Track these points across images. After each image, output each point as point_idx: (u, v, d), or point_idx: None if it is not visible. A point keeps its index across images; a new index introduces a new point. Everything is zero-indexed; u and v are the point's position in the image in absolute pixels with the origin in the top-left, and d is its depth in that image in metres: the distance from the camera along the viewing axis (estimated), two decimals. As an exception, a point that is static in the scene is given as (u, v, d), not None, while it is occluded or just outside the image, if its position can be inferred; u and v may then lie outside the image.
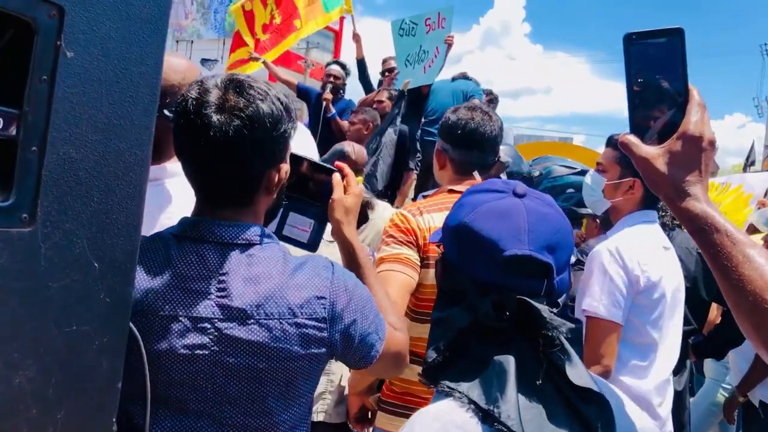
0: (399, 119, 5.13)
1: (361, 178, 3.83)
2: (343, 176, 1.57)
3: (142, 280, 1.21)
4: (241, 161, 1.23)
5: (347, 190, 1.57)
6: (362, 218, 2.99)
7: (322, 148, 5.90)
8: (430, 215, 2.07)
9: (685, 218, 0.99)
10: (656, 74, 1.01)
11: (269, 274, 1.24)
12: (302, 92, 6.42)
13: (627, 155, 1.03)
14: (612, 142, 2.57)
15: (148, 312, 1.19)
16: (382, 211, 3.73)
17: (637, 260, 2.26)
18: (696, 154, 0.99)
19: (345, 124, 5.76)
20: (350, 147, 3.72)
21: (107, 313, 1.00)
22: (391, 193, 5.38)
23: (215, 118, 1.19)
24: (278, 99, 1.27)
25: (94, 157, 0.94)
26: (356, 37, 6.72)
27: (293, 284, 1.25)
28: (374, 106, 5.77)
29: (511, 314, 1.03)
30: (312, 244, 1.58)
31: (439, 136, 2.29)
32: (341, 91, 6.32)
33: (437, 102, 5.87)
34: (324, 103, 5.88)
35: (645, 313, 2.26)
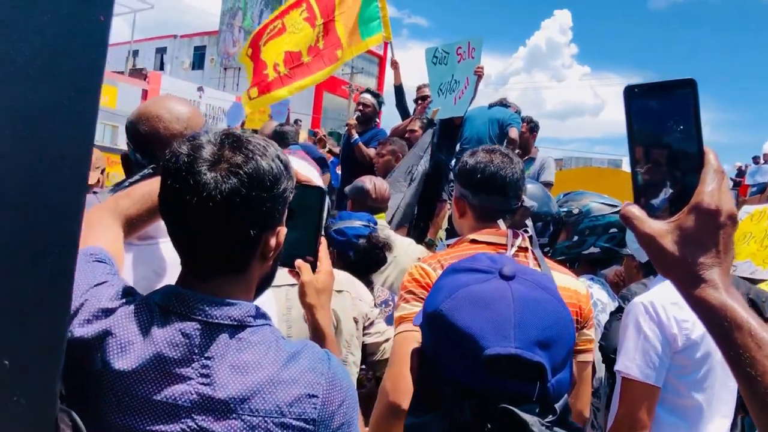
0: (432, 149, 4.98)
1: (383, 215, 3.68)
2: (321, 208, 1.45)
3: (118, 353, 1.08)
4: (236, 225, 1.09)
5: (318, 268, 1.43)
6: (381, 261, 2.85)
7: (348, 173, 5.87)
8: None
9: (699, 309, 0.81)
10: (664, 133, 0.84)
11: (259, 364, 1.10)
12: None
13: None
14: None
15: (120, 390, 1.06)
16: (407, 248, 3.57)
17: (674, 316, 2.05)
18: (712, 231, 0.81)
19: (371, 151, 5.67)
20: (371, 184, 3.59)
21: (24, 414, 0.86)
22: (423, 224, 5.23)
23: (209, 176, 1.06)
24: (278, 156, 1.14)
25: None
26: (394, 64, 6.65)
27: (285, 378, 1.10)
28: (406, 135, 5.66)
29: (494, 426, 0.85)
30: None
31: (457, 181, 2.13)
32: (375, 120, 6.22)
33: (473, 130, 5.72)
34: (347, 128, 5.83)
35: (686, 373, 2.05)
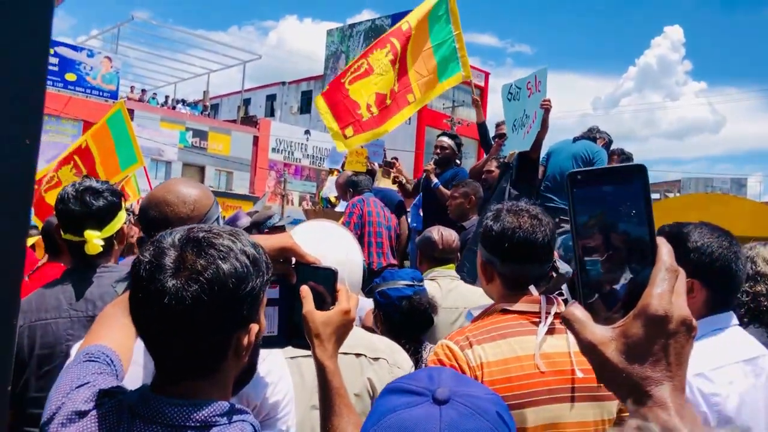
0: (507, 193, 4.84)
1: (452, 266, 3.60)
2: (333, 288, 1.42)
3: None
4: (200, 330, 1.09)
5: (335, 305, 1.40)
6: (425, 323, 2.76)
7: (429, 217, 5.82)
8: (481, 347, 1.79)
9: None
10: (612, 225, 0.74)
11: None
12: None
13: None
14: (664, 234, 2.09)
15: None
16: (478, 298, 3.47)
17: (700, 390, 1.79)
18: (661, 341, 0.70)
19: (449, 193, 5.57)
20: (437, 234, 3.55)
21: None
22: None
23: (170, 283, 1.07)
24: (244, 253, 1.13)
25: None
26: (475, 102, 6.60)
27: None
28: (483, 176, 5.56)
29: None
30: (274, 339, 1.42)
31: (481, 245, 2.02)
32: (456, 161, 6.17)
33: (556, 166, 5.55)
34: (425, 174, 5.80)
35: None
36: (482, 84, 39.83)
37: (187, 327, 1.08)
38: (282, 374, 1.64)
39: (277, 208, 31.58)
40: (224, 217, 7.02)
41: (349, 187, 6.13)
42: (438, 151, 5.99)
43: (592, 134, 6.09)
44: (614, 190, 0.73)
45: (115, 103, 7.68)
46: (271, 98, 46.39)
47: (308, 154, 36.74)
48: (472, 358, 1.76)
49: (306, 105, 44.08)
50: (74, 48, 30.55)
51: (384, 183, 12.08)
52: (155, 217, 1.67)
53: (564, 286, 1.98)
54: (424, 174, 5.86)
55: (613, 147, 6.40)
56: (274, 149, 35.57)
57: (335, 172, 14.78)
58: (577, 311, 0.74)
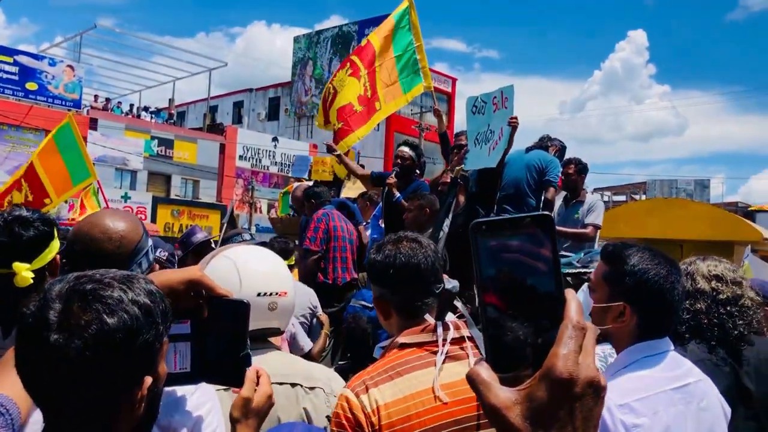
0: (452, 208, 4.83)
1: None
2: (245, 321, 1.38)
3: None
4: (88, 388, 1.04)
5: (260, 388, 1.38)
6: (361, 347, 2.76)
7: (392, 231, 5.75)
8: (378, 390, 1.72)
9: None
10: (518, 277, 0.71)
11: None
12: (376, 179, 6.31)
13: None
14: (605, 253, 2.05)
15: None
16: None
17: (622, 421, 1.75)
18: (567, 404, 0.67)
19: None
20: None
21: None
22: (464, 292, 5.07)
23: (53, 338, 1.02)
24: (136, 303, 1.08)
25: None
26: (437, 113, 6.60)
27: None
28: (440, 188, 5.56)
29: None
30: (186, 376, 1.37)
31: (371, 281, 2.00)
32: (417, 171, 6.16)
33: (510, 176, 5.56)
34: (387, 187, 5.75)
35: None
36: (449, 90, 40.04)
37: (73, 385, 1.03)
38: (213, 406, 1.60)
39: (245, 217, 31.34)
40: (191, 226, 6.86)
41: (311, 199, 6.06)
42: (399, 161, 5.95)
43: (543, 143, 6.12)
44: (521, 241, 0.71)
45: (66, 117, 7.55)
46: (238, 105, 46.09)
47: (276, 162, 36.52)
48: (367, 404, 1.70)
49: (273, 112, 43.89)
50: (35, 57, 29.99)
51: (352, 192, 12.03)
52: (80, 251, 1.63)
53: (460, 304, 1.95)
54: (386, 187, 5.81)
55: (572, 156, 6.44)
56: (241, 157, 35.30)
57: (302, 181, 14.72)
58: (482, 371, 0.70)
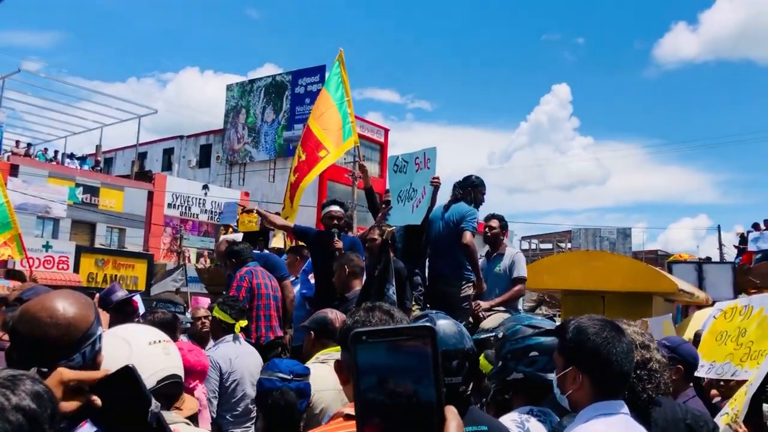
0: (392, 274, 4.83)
1: None
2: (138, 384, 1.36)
3: None
4: None
5: None
6: (287, 422, 2.70)
7: (323, 288, 5.77)
8: None
9: None
10: (399, 389, 0.70)
11: None
12: (299, 233, 6.26)
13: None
14: (557, 329, 2.31)
15: None
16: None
17: None
18: None
19: None
20: (333, 314, 3.48)
21: None
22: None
23: None
24: (20, 409, 1.02)
25: None
26: (362, 168, 6.65)
27: None
28: (367, 244, 5.58)
29: None
30: None
31: (341, 347, 1.98)
32: (346, 229, 6.16)
33: (434, 233, 5.66)
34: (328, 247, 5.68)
35: None
36: (382, 140, 40.64)
37: None
38: None
39: (172, 266, 30.53)
40: (111, 283, 6.63)
41: (231, 258, 5.98)
42: (335, 222, 5.89)
43: (456, 197, 6.08)
44: (402, 353, 0.70)
45: None
46: (168, 152, 45.39)
47: (206, 209, 35.90)
48: None
49: (205, 159, 43.41)
50: (-48, 100, 28.87)
51: (281, 242, 11.91)
52: (23, 333, 1.53)
53: None
54: (310, 243, 5.78)
55: (494, 212, 6.56)
56: (170, 205, 34.55)
57: (230, 229, 14.50)
58: None
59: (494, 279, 6.10)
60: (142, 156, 43.89)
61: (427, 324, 0.70)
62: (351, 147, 7.18)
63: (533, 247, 41.84)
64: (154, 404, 1.36)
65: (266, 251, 8.57)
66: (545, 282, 8.77)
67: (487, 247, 6.38)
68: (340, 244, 5.65)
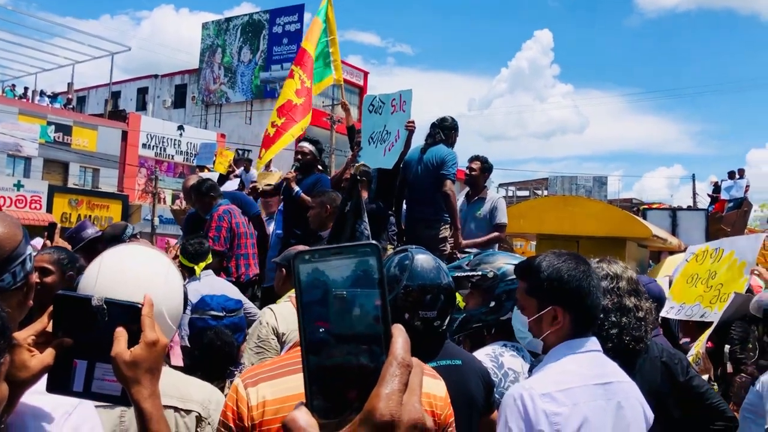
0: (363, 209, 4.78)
1: None
2: (136, 321, 1.26)
3: None
4: None
5: (140, 339, 1.26)
6: (222, 361, 2.67)
7: (291, 226, 5.74)
8: (267, 384, 1.67)
9: None
10: (344, 308, 0.66)
11: None
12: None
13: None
14: (518, 272, 2.23)
15: None
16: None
17: (543, 410, 1.86)
18: None
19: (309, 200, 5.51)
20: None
21: None
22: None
23: None
24: None
25: None
26: (344, 106, 6.58)
27: None
28: (342, 184, 5.53)
29: None
30: (126, 398, 1.26)
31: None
32: (316, 167, 6.10)
33: (412, 177, 5.62)
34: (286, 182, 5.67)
35: None
36: (361, 83, 40.10)
37: None
38: (94, 424, 1.48)
39: (148, 208, 30.28)
40: (82, 220, 6.54)
41: (209, 193, 5.82)
42: (299, 156, 5.87)
43: (436, 139, 5.91)
44: (347, 271, 0.66)
45: None
46: (142, 91, 44.46)
47: (182, 151, 35.40)
48: (253, 398, 1.65)
49: (180, 99, 42.61)
50: None
51: (270, 178, 11.73)
52: None
53: None
54: (286, 182, 5.72)
55: (478, 153, 6.52)
56: (144, 145, 34.00)
57: (206, 170, 14.27)
58: (300, 417, 0.64)
59: (474, 223, 6.10)
60: (116, 95, 42.96)
61: (373, 242, 0.66)
62: (329, 85, 7.07)
63: (510, 194, 42.04)
64: (96, 299, 1.30)
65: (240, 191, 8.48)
66: (521, 226, 8.81)
67: (467, 188, 6.36)
68: (290, 175, 5.60)
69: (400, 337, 0.65)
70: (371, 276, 0.66)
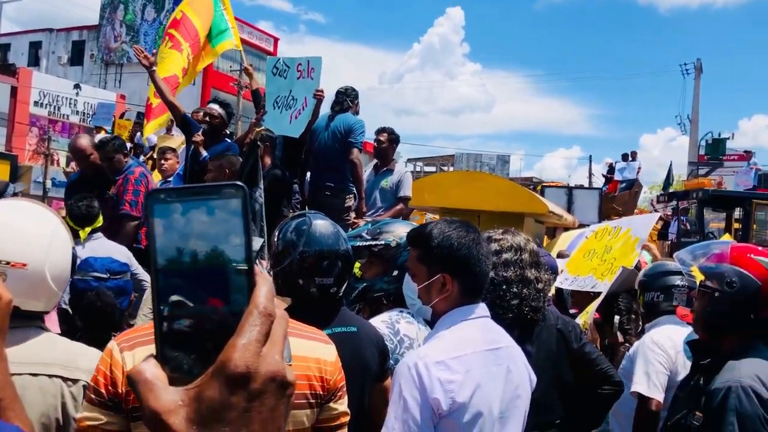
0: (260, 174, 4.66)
1: None
2: None
3: None
4: None
5: None
6: (104, 324, 2.55)
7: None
8: (145, 349, 1.57)
9: None
10: (202, 253, 0.60)
11: None
12: (185, 120, 5.83)
13: None
14: (410, 239, 2.24)
15: None
16: None
17: (437, 378, 1.87)
18: (241, 404, 0.56)
19: None
20: None
21: None
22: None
23: None
24: None
25: None
26: (247, 71, 6.43)
27: None
28: (245, 148, 5.39)
29: None
30: None
31: None
32: (224, 131, 5.89)
33: (320, 145, 5.53)
34: (193, 146, 5.43)
35: None
36: (271, 48, 39.22)
37: None
38: None
39: (40, 169, 28.61)
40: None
41: (122, 152, 5.38)
42: (207, 119, 5.62)
43: (344, 107, 5.89)
44: (208, 213, 0.60)
45: None
46: (35, 46, 41.69)
47: (78, 110, 33.47)
48: (129, 363, 1.56)
49: (77, 56, 40.30)
50: None
51: (170, 141, 11.29)
52: None
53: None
54: (192, 146, 5.47)
55: (385, 125, 6.54)
56: (37, 103, 31.90)
57: (103, 131, 13.60)
58: (147, 370, 0.58)
59: (379, 193, 6.13)
60: (5, 48, 40.20)
61: (238, 182, 0.60)
62: (227, 49, 6.89)
63: (418, 169, 42.61)
64: None
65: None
66: (426, 200, 8.93)
67: (375, 160, 6.38)
68: (198, 139, 5.41)
69: (264, 285, 0.59)
70: (235, 219, 0.59)
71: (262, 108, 5.63)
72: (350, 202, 5.64)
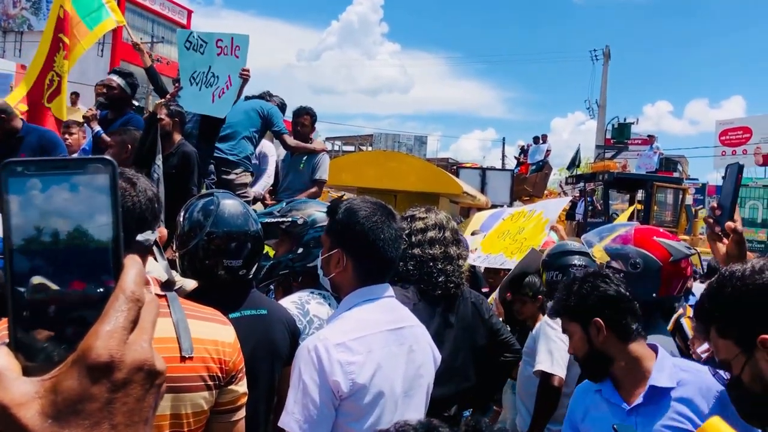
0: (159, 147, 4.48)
1: None
2: None
3: None
4: None
5: None
6: None
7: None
8: None
9: None
10: (68, 226, 0.55)
11: None
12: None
13: None
14: (327, 209, 2.23)
15: None
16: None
17: (338, 360, 1.86)
18: (103, 395, 0.52)
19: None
20: None
21: None
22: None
23: None
24: None
25: None
26: (136, 46, 6.14)
27: None
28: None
29: None
30: None
31: None
32: (134, 102, 5.65)
33: (229, 119, 5.41)
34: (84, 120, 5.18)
35: (355, 420, 1.88)
36: (185, 21, 37.92)
37: None
38: None
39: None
40: None
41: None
42: (104, 90, 5.34)
43: (264, 97, 6.10)
44: (72, 189, 0.55)
45: None
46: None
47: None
48: None
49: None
50: None
51: (76, 114, 10.71)
52: None
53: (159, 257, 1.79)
54: (84, 120, 5.22)
55: (305, 105, 6.50)
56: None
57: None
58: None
59: (293, 174, 6.09)
60: None
61: (106, 157, 0.55)
62: (110, 29, 6.53)
63: (336, 148, 42.42)
64: None
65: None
66: (343, 179, 8.93)
67: None
68: (89, 113, 5.16)
69: (132, 268, 0.55)
70: (102, 197, 0.55)
71: (177, 82, 5.42)
72: (245, 178, 5.60)
